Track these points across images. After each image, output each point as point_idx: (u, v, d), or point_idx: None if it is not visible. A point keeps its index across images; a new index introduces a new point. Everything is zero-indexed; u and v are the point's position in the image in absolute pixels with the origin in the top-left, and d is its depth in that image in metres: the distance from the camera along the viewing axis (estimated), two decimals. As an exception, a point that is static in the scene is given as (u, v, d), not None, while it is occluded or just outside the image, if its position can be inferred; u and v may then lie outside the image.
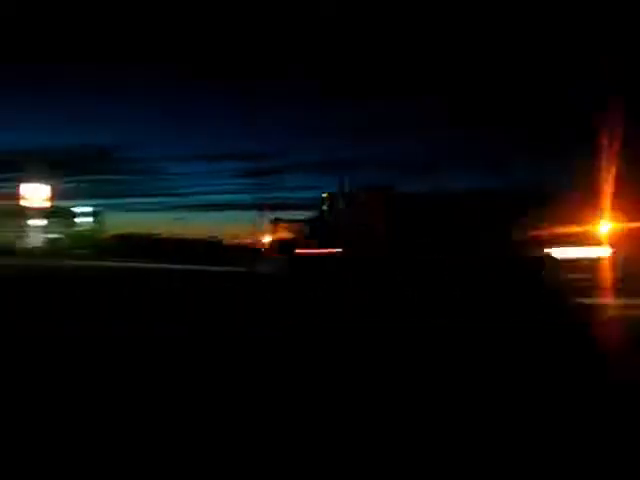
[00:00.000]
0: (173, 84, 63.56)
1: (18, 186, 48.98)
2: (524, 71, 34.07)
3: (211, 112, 65.85)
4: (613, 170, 17.35)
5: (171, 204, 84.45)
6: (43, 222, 48.61)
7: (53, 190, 49.18)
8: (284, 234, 24.72)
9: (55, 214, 49.14)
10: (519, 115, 33.95)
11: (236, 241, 40.88)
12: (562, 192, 20.04)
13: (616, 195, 17.79)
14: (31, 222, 49.08)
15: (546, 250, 18.81)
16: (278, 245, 23.88)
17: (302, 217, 24.63)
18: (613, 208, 18.33)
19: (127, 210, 69.34)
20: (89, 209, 50.98)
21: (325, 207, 23.43)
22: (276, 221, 25.77)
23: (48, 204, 48.90)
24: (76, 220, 50.83)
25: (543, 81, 31.92)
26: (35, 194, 48.87)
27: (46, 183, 48.60)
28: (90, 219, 50.92)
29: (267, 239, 25.60)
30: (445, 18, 33.63)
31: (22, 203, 48.58)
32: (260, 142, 75.76)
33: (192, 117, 71.88)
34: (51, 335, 7.12)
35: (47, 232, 48.93)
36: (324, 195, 23.66)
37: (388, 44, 36.87)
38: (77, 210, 50.88)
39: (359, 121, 60.76)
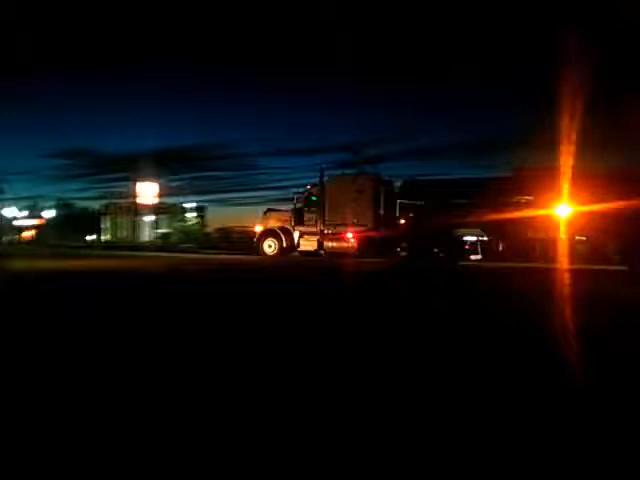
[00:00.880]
0: (267, 80, 64.80)
1: (133, 185, 52.94)
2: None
3: (304, 106, 66.53)
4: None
5: (269, 198, 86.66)
6: (155, 218, 51.97)
7: (162, 187, 52.46)
8: (274, 223, 26.49)
9: (165, 210, 52.35)
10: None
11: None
12: None
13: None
14: (145, 218, 52.71)
15: None
16: (265, 234, 26.20)
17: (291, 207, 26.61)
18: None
19: (227, 205, 72.14)
20: (194, 205, 53.83)
21: (307, 197, 25.50)
22: (268, 211, 27.47)
23: (157, 201, 52.21)
24: (184, 215, 53.80)
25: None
26: (147, 192, 52.36)
27: (155, 181, 51.96)
28: (194, 214, 53.73)
29: (258, 228, 27.16)
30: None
31: (137, 200, 52.37)
32: (354, 132, 75.44)
33: (286, 111, 73.15)
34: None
35: (158, 227, 52.22)
36: (308, 186, 25.70)
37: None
38: (185, 206, 53.87)
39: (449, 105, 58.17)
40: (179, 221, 53.11)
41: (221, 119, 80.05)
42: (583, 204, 20.58)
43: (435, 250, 22.48)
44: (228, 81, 72.17)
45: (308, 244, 25.13)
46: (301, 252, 25.31)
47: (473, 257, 22.42)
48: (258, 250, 25.90)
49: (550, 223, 20.97)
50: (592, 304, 8.89)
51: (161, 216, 52.28)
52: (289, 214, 26.13)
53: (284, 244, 25.61)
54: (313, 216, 25.00)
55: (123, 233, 51.52)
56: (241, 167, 79.16)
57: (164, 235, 50.76)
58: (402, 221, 23.59)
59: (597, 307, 8.53)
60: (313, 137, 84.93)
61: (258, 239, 26.54)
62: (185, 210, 54.09)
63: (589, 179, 20.96)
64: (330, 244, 24.51)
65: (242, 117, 79.83)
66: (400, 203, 23.95)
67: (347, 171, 26.45)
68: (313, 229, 25.03)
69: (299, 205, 25.76)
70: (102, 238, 51.69)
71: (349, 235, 24.12)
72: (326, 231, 24.58)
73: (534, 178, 21.40)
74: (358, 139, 76.65)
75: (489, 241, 22.82)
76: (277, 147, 73.60)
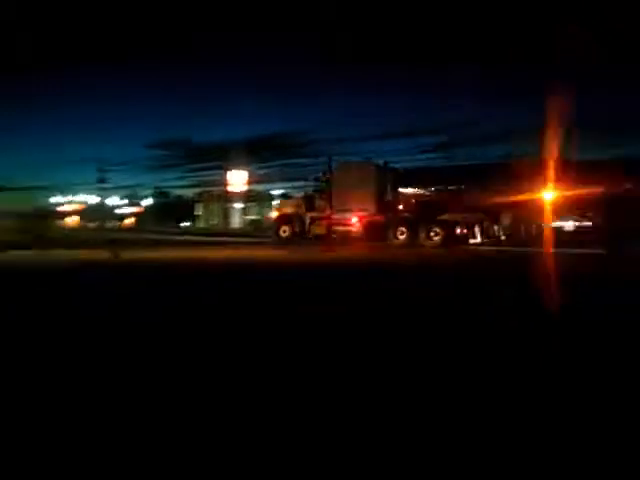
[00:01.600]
0: (354, 67, 64.60)
1: (225, 173, 54.75)
2: None
3: (392, 89, 65.62)
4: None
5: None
6: (244, 205, 53.63)
7: (251, 175, 53.91)
8: (287, 209, 28.09)
9: (254, 197, 53.86)
10: None
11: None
12: None
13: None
14: (235, 205, 54.49)
15: None
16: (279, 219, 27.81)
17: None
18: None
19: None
20: (280, 192, 54.93)
21: (317, 184, 26.74)
22: (283, 197, 29.48)
23: (246, 188, 53.73)
24: (272, 203, 55.08)
25: None
26: (237, 180, 54.01)
27: (245, 169, 53.44)
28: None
29: (274, 214, 28.62)
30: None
31: (228, 188, 54.16)
32: (447, 114, 73.75)
33: (376, 96, 72.55)
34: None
35: (248, 214, 53.85)
36: (319, 174, 26.85)
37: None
38: (273, 193, 55.11)
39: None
40: (266, 208, 54.45)
41: (310, 106, 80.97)
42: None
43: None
44: (316, 68, 72.77)
45: (318, 229, 26.18)
46: (312, 237, 26.28)
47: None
48: (274, 235, 27.40)
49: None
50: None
51: (251, 203, 53.79)
52: (301, 200, 27.56)
53: (296, 229, 26.90)
54: (323, 202, 26.07)
55: (215, 220, 53.57)
56: (328, 153, 79.66)
57: (253, 222, 52.26)
58: (400, 207, 25.09)
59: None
60: (400, 121, 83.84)
61: (274, 224, 28.30)
62: (272, 197, 55.36)
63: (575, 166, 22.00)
64: (338, 228, 25.43)
65: (329, 103, 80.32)
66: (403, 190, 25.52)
67: (366, 159, 27.19)
68: (323, 214, 26.10)
69: (310, 192, 27.12)
70: (195, 225, 53.97)
71: (354, 220, 25.16)
72: (334, 216, 25.42)
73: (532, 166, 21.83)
74: (444, 122, 74.66)
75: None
76: (364, 132, 73.43)
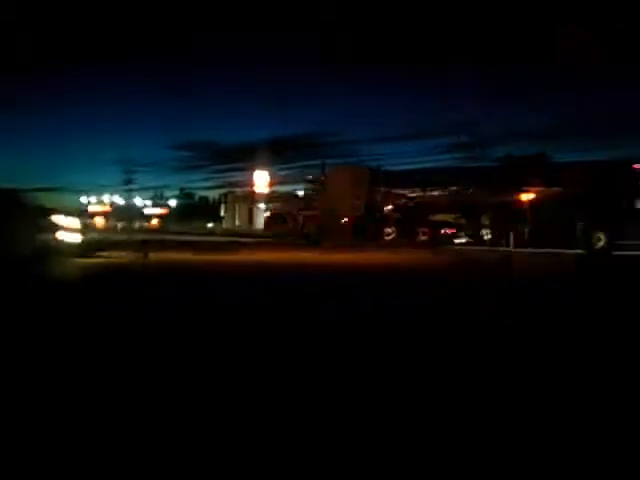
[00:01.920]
0: (373, 69, 64.43)
1: (250, 174, 54.92)
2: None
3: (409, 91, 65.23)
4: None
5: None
6: (265, 206, 53.69)
7: (275, 176, 54.00)
8: (281, 208, 32.23)
9: (277, 198, 53.90)
10: None
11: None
12: None
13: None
14: (260, 206, 54.59)
15: None
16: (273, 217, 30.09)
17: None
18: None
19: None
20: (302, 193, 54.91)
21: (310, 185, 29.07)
22: (278, 196, 33.74)
23: (270, 189, 53.84)
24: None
25: None
26: (262, 180, 54.14)
27: (270, 170, 53.56)
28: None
29: (267, 212, 32.38)
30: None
31: (253, 189, 54.30)
32: (461, 114, 73.10)
33: (392, 98, 72.30)
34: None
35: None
36: (311, 177, 29.37)
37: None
38: (297, 193, 55.12)
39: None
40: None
41: (334, 107, 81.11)
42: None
43: None
44: (338, 70, 72.78)
45: (310, 227, 27.37)
46: (305, 233, 27.41)
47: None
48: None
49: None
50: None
51: (276, 204, 53.84)
52: (296, 199, 29.51)
53: (290, 226, 28.71)
54: (315, 202, 27.64)
55: (240, 221, 53.76)
56: (351, 153, 79.37)
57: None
58: (390, 207, 25.94)
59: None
60: (427, 121, 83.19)
61: (268, 222, 30.79)
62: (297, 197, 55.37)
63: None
64: (328, 227, 26.44)
65: (352, 104, 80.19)
66: (387, 192, 26.46)
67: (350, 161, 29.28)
68: (315, 213, 27.27)
69: (304, 191, 29.20)
70: (221, 226, 54.27)
71: (344, 220, 26.21)
72: (325, 216, 26.22)
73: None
74: (472, 120, 73.52)
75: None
76: (388, 132, 73.18)
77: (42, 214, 15.34)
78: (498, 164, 25.69)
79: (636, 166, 20.57)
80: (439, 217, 25.13)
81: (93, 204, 57.66)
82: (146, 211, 61.74)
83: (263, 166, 53.59)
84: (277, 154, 56.53)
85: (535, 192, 22.51)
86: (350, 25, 45.83)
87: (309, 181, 29.28)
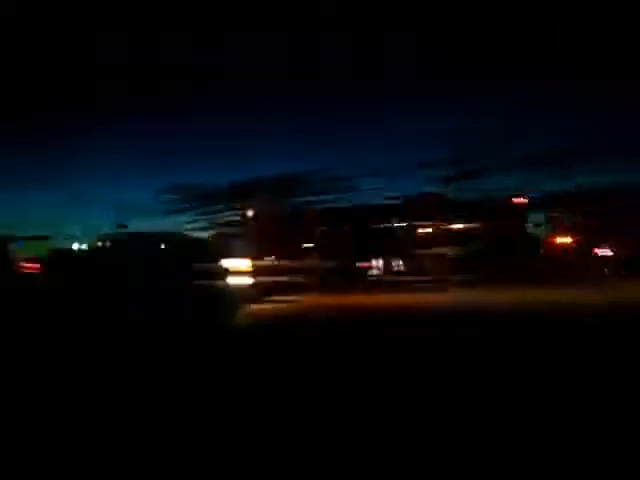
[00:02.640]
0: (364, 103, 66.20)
1: (241, 213, 56.17)
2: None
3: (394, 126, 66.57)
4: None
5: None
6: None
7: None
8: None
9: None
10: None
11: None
12: None
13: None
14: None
15: None
16: None
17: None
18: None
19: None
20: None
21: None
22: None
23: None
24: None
25: None
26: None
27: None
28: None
29: None
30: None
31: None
32: (453, 146, 74.65)
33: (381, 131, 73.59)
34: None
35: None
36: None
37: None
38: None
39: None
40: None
41: (315, 145, 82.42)
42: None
43: None
44: (316, 105, 74.30)
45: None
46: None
47: None
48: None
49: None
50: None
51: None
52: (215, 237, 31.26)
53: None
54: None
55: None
56: (340, 190, 79.93)
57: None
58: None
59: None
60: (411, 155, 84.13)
61: None
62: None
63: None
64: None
65: (334, 140, 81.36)
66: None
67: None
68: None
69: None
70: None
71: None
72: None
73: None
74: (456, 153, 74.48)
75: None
76: (375, 167, 73.50)
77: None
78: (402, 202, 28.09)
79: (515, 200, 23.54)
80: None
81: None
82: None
83: (252, 205, 54.79)
84: (265, 192, 57.72)
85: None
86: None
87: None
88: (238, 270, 15.92)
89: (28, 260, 18.48)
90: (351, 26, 38.29)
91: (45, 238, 60.06)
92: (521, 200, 24.19)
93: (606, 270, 21.19)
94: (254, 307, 14.37)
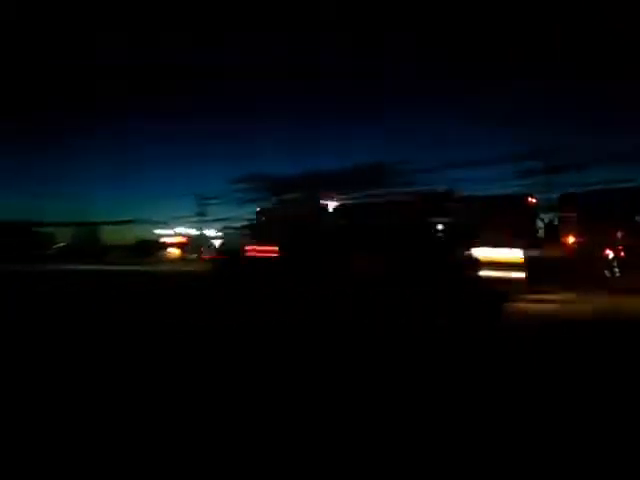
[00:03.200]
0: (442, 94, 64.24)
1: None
2: None
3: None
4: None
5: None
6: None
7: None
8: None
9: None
10: None
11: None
12: None
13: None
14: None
15: None
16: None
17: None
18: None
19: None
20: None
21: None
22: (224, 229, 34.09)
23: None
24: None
25: None
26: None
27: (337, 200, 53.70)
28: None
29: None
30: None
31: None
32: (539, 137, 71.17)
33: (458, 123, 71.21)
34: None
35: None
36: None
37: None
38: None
39: None
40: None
41: (398, 137, 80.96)
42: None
43: None
44: (400, 95, 72.92)
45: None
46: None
47: None
48: None
49: None
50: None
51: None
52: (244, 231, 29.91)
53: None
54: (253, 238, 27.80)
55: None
56: (417, 182, 78.61)
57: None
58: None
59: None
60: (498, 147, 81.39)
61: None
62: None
63: None
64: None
65: (413, 133, 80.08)
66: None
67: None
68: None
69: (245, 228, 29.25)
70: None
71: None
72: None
73: None
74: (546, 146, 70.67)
75: None
76: (453, 159, 71.85)
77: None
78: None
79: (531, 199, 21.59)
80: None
81: (166, 235, 59.26)
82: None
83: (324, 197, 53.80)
84: (342, 184, 56.64)
85: None
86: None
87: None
88: (503, 261, 13.88)
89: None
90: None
91: (129, 222, 62.91)
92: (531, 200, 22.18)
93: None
94: (520, 306, 12.01)
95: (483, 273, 12.95)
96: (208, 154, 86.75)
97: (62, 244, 49.17)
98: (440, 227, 15.42)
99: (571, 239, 20.10)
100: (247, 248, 20.17)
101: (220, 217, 74.88)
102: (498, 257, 13.72)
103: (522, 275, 13.78)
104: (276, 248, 18.89)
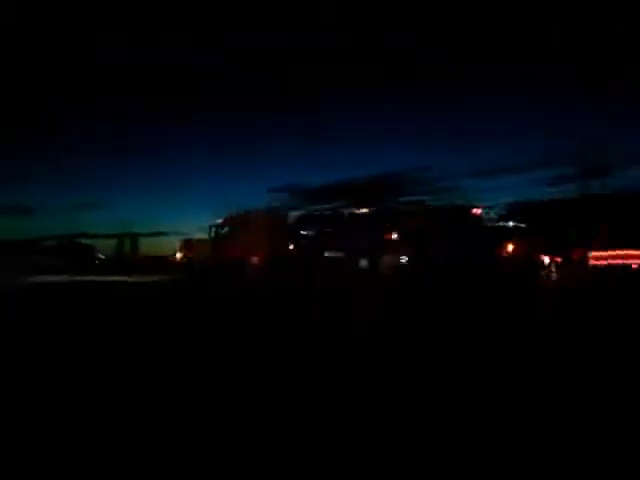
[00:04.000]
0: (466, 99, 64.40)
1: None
2: None
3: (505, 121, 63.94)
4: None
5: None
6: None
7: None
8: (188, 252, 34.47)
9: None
10: None
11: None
12: None
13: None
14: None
15: None
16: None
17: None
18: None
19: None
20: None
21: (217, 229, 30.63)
22: (188, 241, 35.21)
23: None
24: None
25: None
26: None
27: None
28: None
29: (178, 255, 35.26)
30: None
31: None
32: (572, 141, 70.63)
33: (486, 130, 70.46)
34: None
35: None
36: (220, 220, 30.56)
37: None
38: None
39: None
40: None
41: (422, 143, 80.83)
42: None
43: None
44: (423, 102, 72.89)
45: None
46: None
47: None
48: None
49: None
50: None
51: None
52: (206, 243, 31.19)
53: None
54: (222, 245, 29.56)
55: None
56: (446, 190, 78.16)
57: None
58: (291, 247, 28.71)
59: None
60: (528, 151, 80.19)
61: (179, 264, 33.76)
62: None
63: None
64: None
65: (442, 140, 79.86)
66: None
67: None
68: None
69: (212, 235, 30.83)
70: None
71: (254, 260, 29.00)
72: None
73: None
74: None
75: None
76: (481, 167, 71.58)
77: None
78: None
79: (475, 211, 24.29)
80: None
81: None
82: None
83: (354, 205, 54.74)
84: (368, 193, 57.53)
85: None
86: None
87: (219, 225, 32.04)
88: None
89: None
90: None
91: (163, 234, 64.90)
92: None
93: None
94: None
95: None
96: (243, 166, 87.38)
97: (102, 256, 50.67)
98: None
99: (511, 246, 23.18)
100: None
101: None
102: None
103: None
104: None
